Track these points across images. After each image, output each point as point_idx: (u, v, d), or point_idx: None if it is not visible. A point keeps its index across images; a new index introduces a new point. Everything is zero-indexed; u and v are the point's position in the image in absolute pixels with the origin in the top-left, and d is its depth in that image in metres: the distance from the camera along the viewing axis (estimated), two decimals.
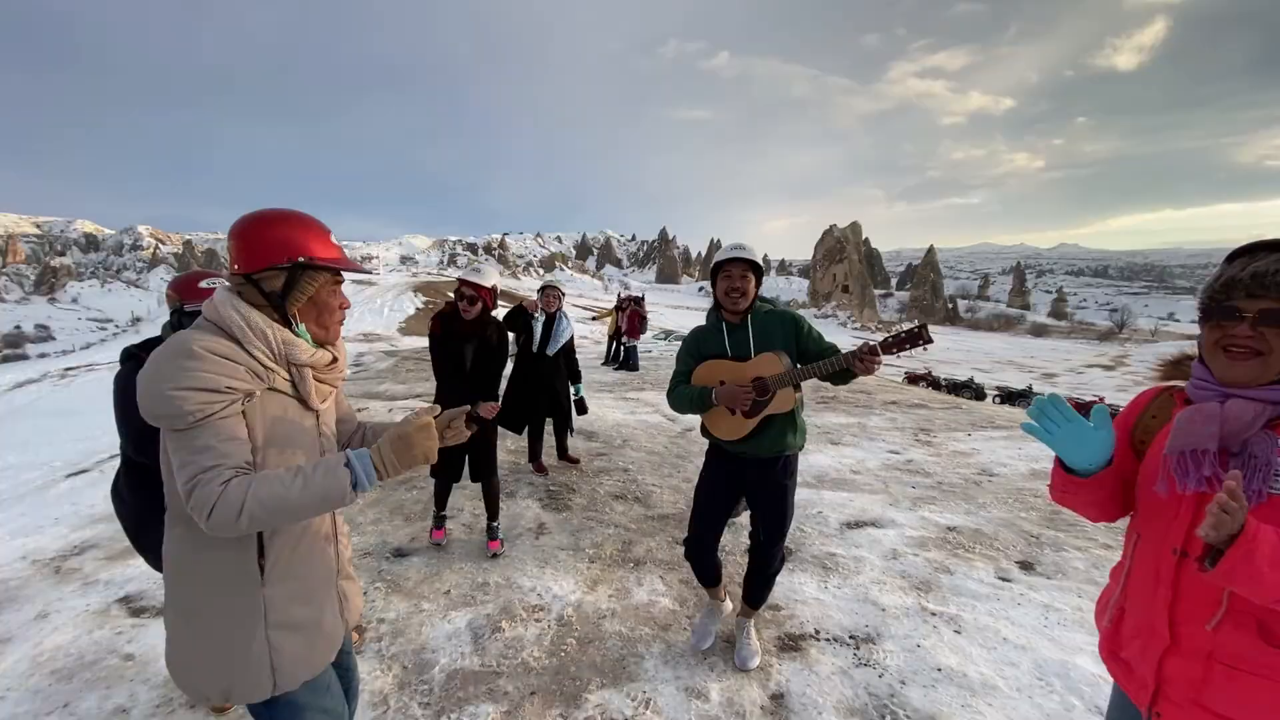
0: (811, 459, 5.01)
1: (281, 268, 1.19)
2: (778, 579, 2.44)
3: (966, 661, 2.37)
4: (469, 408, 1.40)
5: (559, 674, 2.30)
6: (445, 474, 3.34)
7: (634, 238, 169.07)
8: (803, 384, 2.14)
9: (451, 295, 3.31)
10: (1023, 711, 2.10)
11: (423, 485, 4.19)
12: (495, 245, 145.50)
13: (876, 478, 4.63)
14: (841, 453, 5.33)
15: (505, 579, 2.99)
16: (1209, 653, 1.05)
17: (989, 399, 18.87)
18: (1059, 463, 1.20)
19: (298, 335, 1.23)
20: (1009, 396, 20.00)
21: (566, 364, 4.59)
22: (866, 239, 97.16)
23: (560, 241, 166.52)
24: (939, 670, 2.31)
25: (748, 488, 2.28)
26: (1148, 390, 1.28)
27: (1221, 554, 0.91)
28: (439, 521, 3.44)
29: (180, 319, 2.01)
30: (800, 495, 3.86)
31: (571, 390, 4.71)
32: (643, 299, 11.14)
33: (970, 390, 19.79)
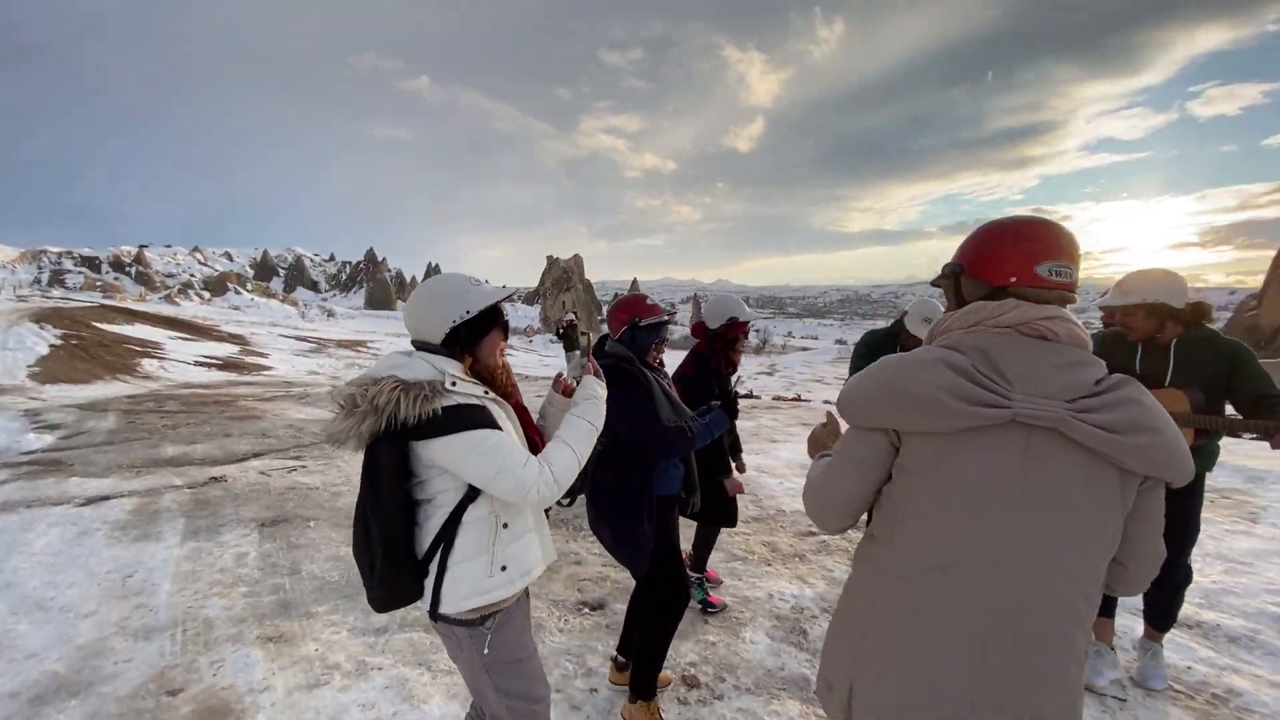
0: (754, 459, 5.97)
1: (990, 287, 1.03)
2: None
3: None
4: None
5: None
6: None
7: (333, 258, 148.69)
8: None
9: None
10: None
11: None
12: (129, 260, 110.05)
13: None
14: (776, 449, 6.44)
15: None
16: None
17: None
18: None
19: None
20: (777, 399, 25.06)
21: None
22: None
23: (231, 259, 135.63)
24: None
25: None
26: None
27: None
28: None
29: (635, 333, 2.16)
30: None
31: None
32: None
33: (754, 397, 24.41)
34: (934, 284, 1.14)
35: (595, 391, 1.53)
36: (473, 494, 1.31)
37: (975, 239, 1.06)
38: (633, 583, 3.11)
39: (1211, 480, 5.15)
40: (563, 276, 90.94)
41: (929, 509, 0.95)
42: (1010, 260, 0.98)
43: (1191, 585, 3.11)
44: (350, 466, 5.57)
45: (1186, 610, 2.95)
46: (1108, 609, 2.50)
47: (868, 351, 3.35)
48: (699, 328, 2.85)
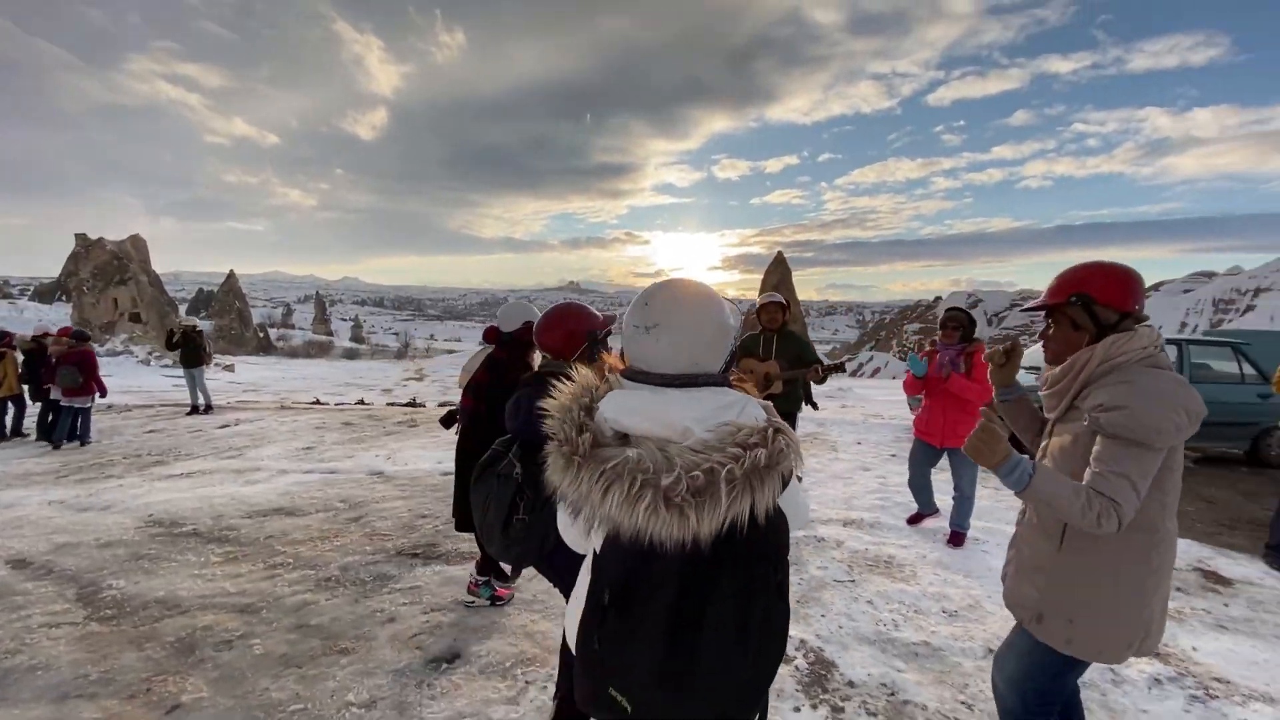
0: None
1: (1120, 312, 1.42)
2: None
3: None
4: None
5: None
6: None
7: None
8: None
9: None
10: None
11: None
12: None
13: None
14: None
15: None
16: (954, 415, 3.93)
17: None
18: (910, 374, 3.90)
19: None
20: None
21: None
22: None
23: None
24: None
25: None
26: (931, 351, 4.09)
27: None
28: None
29: (593, 348, 2.02)
30: None
31: None
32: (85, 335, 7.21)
33: None
34: (1043, 308, 1.50)
35: None
36: None
37: (1103, 277, 1.42)
38: (471, 616, 2.86)
39: (802, 428, 7.91)
40: (113, 264, 65.40)
41: (1176, 481, 1.40)
42: (1135, 294, 1.42)
43: (830, 498, 4.77)
44: None
45: (835, 514, 4.48)
46: None
47: None
48: (492, 332, 2.85)
